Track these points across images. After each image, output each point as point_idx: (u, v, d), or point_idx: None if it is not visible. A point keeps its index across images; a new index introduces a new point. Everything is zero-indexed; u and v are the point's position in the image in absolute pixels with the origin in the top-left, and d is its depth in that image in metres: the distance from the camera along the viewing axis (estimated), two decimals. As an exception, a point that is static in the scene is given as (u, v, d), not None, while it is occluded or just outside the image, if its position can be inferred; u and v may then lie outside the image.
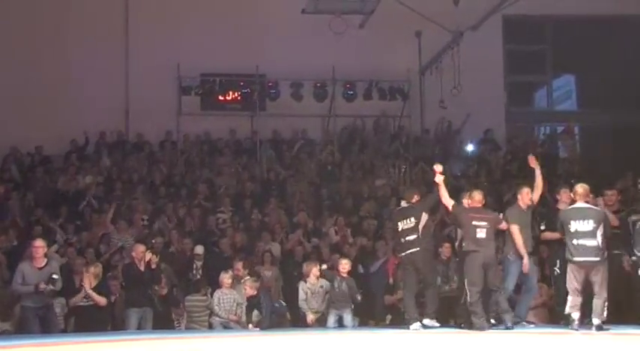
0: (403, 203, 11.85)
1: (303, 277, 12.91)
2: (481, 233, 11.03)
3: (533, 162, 11.69)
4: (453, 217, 11.69)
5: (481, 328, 10.83)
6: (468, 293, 10.97)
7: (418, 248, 11.39)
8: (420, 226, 11.42)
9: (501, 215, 11.58)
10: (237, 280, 12.71)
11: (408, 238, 11.43)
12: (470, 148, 19.87)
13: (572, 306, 10.49)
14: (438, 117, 19.74)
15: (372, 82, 19.89)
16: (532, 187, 11.57)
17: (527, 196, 11.46)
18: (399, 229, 11.57)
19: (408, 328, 11.21)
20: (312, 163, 18.43)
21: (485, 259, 10.98)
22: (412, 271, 11.48)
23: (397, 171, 18.20)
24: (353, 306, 12.53)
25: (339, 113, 19.86)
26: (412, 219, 11.45)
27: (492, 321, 11.18)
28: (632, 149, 18.65)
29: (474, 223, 11.08)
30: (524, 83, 22.69)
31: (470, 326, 10.95)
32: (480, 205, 11.36)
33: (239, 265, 12.94)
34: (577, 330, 10.36)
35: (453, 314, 11.88)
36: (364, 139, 19.48)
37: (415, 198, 11.77)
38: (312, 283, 12.72)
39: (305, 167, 18.16)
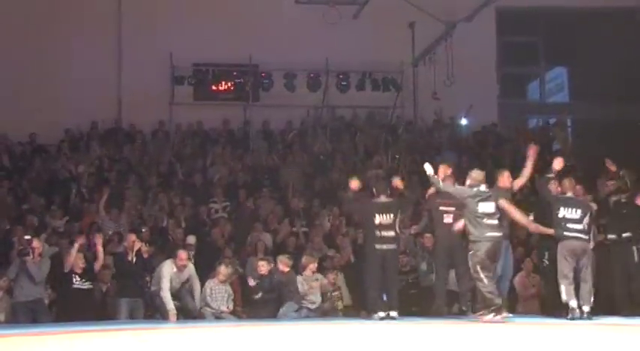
0: (382, 197, 11.67)
1: (300, 270, 12.90)
2: (448, 218, 11.42)
3: (533, 152, 11.56)
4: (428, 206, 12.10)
5: (439, 311, 11.23)
6: (435, 276, 11.59)
7: (395, 246, 11.47)
8: (397, 224, 11.46)
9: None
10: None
11: (385, 234, 11.36)
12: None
13: (568, 294, 10.57)
14: (431, 108, 19.74)
15: (365, 73, 19.90)
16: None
17: (508, 180, 11.38)
18: (376, 222, 11.38)
19: (373, 319, 11.26)
20: (305, 153, 18.41)
21: (450, 244, 11.36)
22: (379, 265, 11.38)
23: (390, 161, 18.17)
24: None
25: (332, 104, 19.86)
26: (391, 215, 11.41)
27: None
28: (623, 141, 18.67)
29: (442, 208, 11.48)
30: (516, 75, 22.75)
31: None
32: None
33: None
34: (579, 318, 10.39)
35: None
36: (359, 128, 19.44)
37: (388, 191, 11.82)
38: (307, 276, 12.80)
39: (298, 157, 18.13)
